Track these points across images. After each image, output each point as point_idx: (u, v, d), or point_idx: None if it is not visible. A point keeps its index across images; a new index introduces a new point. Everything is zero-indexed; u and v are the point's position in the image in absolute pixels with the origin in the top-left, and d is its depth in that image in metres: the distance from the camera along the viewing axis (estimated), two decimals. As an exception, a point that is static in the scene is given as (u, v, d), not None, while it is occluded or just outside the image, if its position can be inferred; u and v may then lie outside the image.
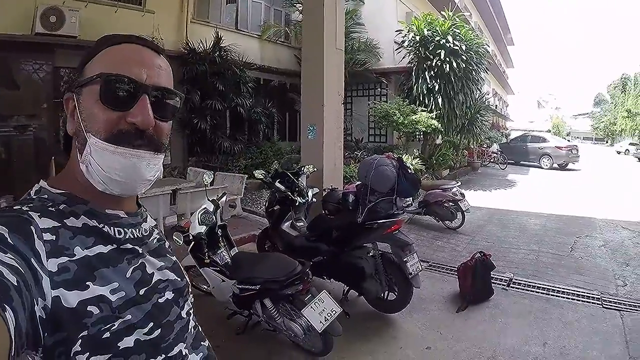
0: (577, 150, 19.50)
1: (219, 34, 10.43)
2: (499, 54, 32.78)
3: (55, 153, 6.59)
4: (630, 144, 36.63)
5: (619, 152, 36.95)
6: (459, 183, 7.61)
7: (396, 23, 13.04)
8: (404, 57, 12.55)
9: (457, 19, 12.16)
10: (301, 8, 9.43)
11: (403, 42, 12.45)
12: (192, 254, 3.31)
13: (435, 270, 5.10)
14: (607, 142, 58.67)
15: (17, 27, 7.21)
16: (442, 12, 12.71)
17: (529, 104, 73.83)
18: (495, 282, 4.50)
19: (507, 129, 32.84)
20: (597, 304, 4.17)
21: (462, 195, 7.03)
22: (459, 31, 11.80)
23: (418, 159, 10.61)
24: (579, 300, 4.24)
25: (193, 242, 3.23)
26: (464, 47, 11.52)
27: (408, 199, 3.96)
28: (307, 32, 6.04)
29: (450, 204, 6.93)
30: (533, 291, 4.47)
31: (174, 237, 3.16)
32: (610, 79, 58.13)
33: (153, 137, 0.73)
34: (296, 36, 13.20)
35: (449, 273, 4.89)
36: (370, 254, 3.77)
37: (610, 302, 4.21)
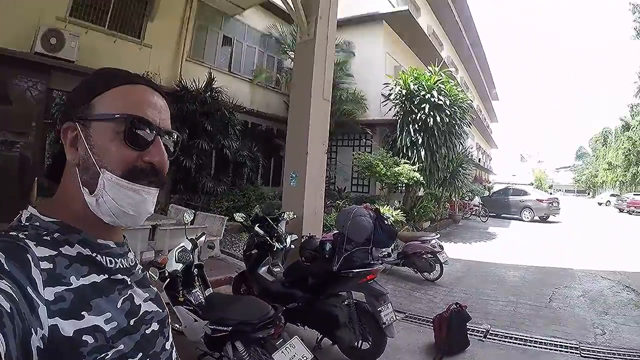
0: (558, 202, 19.92)
1: (212, 75, 10.67)
2: (483, 109, 33.89)
3: (39, 174, 6.59)
4: (612, 195, 37.63)
5: (600, 204, 37.94)
6: (438, 235, 7.67)
7: (384, 76, 13.45)
8: (389, 110, 12.79)
9: (443, 75, 12.53)
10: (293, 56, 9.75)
11: (390, 95, 12.75)
12: (167, 291, 3.28)
13: (412, 321, 5.07)
14: (588, 194, 60.25)
15: (17, 44, 7.36)
16: (429, 66, 13.11)
17: (512, 158, 75.87)
18: (472, 333, 4.49)
19: (490, 182, 33.47)
20: (576, 353, 4.18)
21: (441, 247, 7.09)
22: (443, 86, 12.12)
23: (399, 210, 10.64)
24: (557, 350, 4.24)
25: (168, 279, 3.23)
26: (448, 102, 11.80)
27: (384, 250, 4.02)
28: (296, 80, 6.25)
29: (429, 255, 6.96)
30: (510, 342, 4.45)
31: (150, 272, 3.15)
32: (592, 133, 60.23)
33: (162, 175, 0.79)
34: (286, 83, 13.49)
35: (425, 324, 4.86)
36: (345, 302, 3.76)
37: (588, 351, 4.22)
